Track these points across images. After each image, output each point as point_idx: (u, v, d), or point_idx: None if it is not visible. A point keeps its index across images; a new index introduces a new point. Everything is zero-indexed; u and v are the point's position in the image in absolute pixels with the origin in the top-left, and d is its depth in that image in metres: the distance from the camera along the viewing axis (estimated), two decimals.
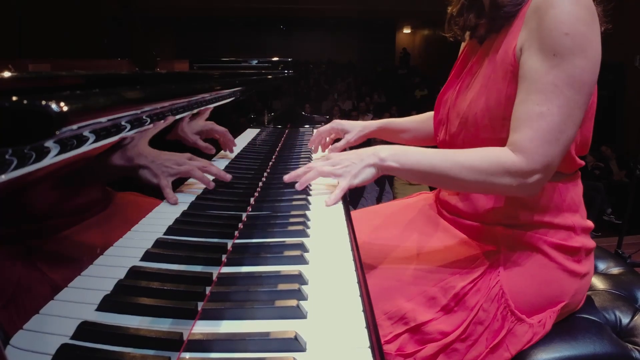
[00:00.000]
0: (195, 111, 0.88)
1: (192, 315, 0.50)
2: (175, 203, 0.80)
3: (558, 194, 0.89)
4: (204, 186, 0.89)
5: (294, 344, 0.45)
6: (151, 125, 0.62)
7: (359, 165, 0.86)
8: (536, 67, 0.79)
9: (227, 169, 1.08)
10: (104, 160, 0.60)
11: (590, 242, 0.91)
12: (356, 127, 1.24)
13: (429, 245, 0.94)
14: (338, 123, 1.26)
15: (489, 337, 0.84)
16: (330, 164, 0.88)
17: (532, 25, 0.81)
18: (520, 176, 0.80)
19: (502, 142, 0.85)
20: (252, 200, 0.90)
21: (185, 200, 0.83)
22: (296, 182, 0.91)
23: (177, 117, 0.79)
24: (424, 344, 0.83)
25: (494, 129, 0.87)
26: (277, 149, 1.44)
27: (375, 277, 0.88)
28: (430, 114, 1.25)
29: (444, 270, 0.87)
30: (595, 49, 0.78)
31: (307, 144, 1.52)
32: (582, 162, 0.90)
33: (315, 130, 1.83)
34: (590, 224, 0.92)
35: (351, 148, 1.13)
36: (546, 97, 0.78)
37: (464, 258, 0.89)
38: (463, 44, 1.09)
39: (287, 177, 0.92)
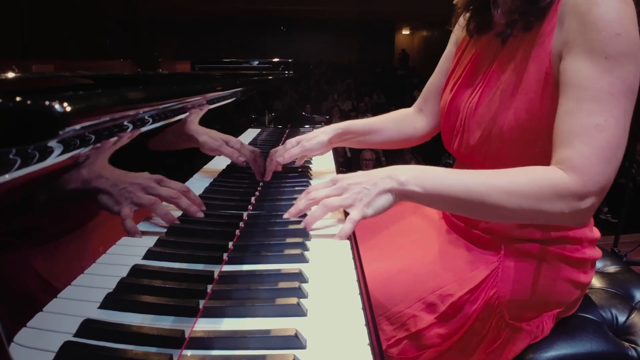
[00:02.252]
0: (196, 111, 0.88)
1: (193, 313, 0.51)
2: (137, 235, 0.66)
3: None
4: (205, 185, 0.89)
5: (295, 341, 0.46)
6: (153, 126, 0.63)
7: (373, 192, 0.72)
8: (585, 71, 0.69)
9: (229, 168, 1.08)
10: (57, 184, 0.51)
11: (596, 253, 0.89)
12: (315, 133, 1.05)
13: (429, 250, 0.91)
14: (306, 149, 1.03)
15: (485, 345, 0.84)
16: (338, 191, 0.74)
17: (571, 26, 0.72)
18: (574, 200, 0.68)
19: (533, 158, 0.76)
20: (252, 199, 0.91)
21: None
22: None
23: (179, 117, 0.80)
24: (424, 348, 0.83)
25: (526, 144, 0.79)
26: None
27: (376, 281, 0.85)
28: (404, 111, 1.16)
29: (443, 277, 0.84)
30: None
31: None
32: None
33: (313, 131, 1.83)
34: (597, 234, 0.89)
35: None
36: (601, 106, 0.67)
37: (463, 265, 0.86)
38: (456, 38, 1.02)
39: (288, 214, 0.76)
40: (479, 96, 0.86)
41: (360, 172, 0.77)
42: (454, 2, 0.95)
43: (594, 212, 0.72)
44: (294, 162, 1.10)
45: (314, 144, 1.04)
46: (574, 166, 0.68)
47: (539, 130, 0.76)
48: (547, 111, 0.75)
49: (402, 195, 0.73)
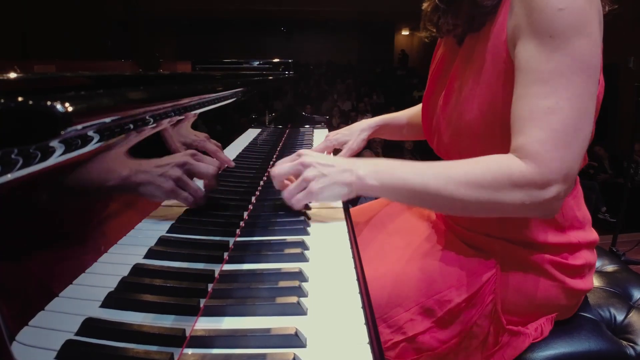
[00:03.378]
0: (197, 111, 0.89)
1: (194, 311, 0.51)
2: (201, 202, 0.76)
3: (568, 209, 0.83)
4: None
5: (295, 339, 0.46)
6: (155, 125, 0.63)
7: (329, 182, 0.73)
8: (532, 54, 0.66)
9: (229, 168, 1.08)
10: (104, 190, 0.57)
11: (593, 257, 0.87)
12: (354, 132, 1.15)
13: (428, 253, 0.91)
14: (333, 139, 1.14)
15: (483, 349, 0.84)
16: (297, 168, 0.76)
17: (519, 10, 0.69)
18: (534, 189, 0.65)
19: (503, 151, 0.72)
20: (253, 199, 0.91)
21: None
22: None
23: (180, 117, 0.80)
24: (421, 352, 0.83)
25: (493, 138, 0.77)
26: (278, 149, 1.44)
27: (374, 284, 0.82)
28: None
29: (441, 282, 0.84)
30: (596, 27, 0.66)
31: (307, 144, 1.53)
32: (586, 161, 0.80)
33: (313, 131, 1.84)
34: (595, 236, 0.87)
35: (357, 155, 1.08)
36: (551, 87, 0.64)
37: (462, 271, 0.85)
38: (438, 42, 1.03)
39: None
40: (444, 95, 0.87)
41: (324, 156, 0.78)
42: (422, 8, 0.95)
43: (562, 201, 0.69)
44: None
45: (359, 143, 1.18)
46: (528, 153, 0.65)
47: (504, 123, 0.72)
48: (509, 102, 0.71)
49: (360, 189, 0.73)
